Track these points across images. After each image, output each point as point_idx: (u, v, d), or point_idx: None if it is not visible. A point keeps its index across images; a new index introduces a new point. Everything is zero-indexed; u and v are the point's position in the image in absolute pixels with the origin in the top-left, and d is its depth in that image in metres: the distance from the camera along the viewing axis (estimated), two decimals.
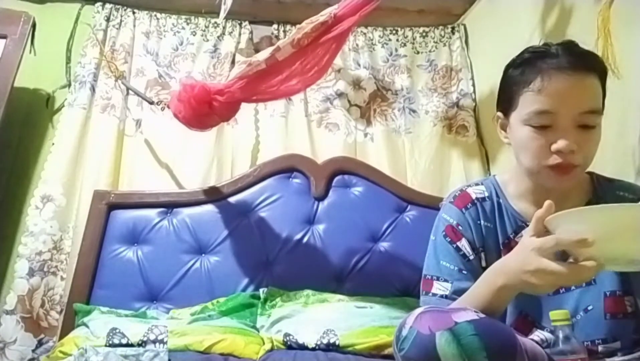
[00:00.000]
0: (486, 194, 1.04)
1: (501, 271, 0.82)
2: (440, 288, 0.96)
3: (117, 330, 1.33)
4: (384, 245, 1.81)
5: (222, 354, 1.33)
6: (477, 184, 1.07)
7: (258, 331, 1.53)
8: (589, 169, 0.98)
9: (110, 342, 1.30)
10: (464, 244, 0.99)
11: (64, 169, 1.87)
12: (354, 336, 1.40)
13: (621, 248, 0.72)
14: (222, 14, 1.81)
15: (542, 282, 0.75)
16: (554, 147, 0.89)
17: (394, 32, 2.28)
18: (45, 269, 1.76)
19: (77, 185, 1.87)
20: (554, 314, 0.81)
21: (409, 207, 1.89)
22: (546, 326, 0.94)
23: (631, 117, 1.31)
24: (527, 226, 0.81)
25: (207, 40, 2.16)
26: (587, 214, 0.75)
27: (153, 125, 2.00)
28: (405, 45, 2.27)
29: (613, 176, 1.05)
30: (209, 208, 1.83)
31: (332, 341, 1.39)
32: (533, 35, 1.69)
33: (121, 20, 2.11)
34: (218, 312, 1.57)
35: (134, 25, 2.12)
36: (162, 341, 1.32)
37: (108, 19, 2.10)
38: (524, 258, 0.77)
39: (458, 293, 0.93)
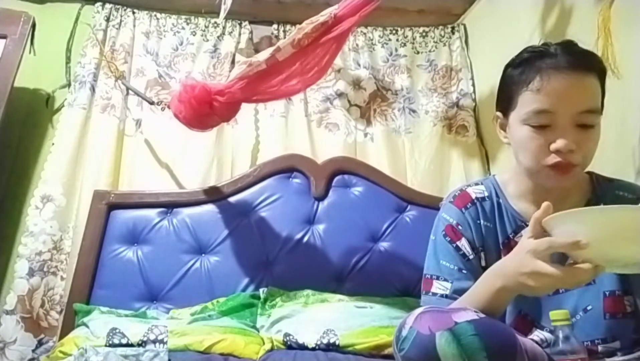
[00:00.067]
0: (486, 194, 1.04)
1: (500, 273, 0.82)
2: (440, 287, 0.96)
3: (117, 330, 1.33)
4: (384, 245, 1.81)
5: (222, 354, 1.33)
6: (476, 184, 1.07)
7: (258, 331, 1.53)
8: (589, 168, 0.98)
9: (110, 342, 1.30)
10: (463, 243, 0.99)
11: (64, 169, 1.87)
12: (354, 336, 1.40)
13: (618, 250, 0.71)
14: (222, 14, 1.81)
15: (539, 284, 0.75)
16: (553, 146, 0.89)
17: (394, 32, 2.28)
18: (45, 269, 1.76)
19: (77, 185, 1.87)
20: (554, 314, 0.81)
21: (409, 207, 1.89)
22: (546, 326, 0.94)
23: (631, 117, 1.31)
24: (527, 226, 0.81)
25: (207, 40, 2.16)
26: (584, 215, 0.74)
27: (153, 125, 2.00)
28: (405, 45, 2.27)
29: (613, 176, 1.05)
30: (209, 208, 1.83)
31: (332, 341, 1.39)
32: (533, 35, 1.69)
33: (121, 20, 2.11)
34: (218, 312, 1.57)
35: (134, 25, 2.12)
36: (162, 341, 1.32)
37: (108, 19, 2.10)
38: (520, 260, 0.77)
39: (458, 292, 0.93)
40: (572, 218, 0.74)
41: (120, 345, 1.30)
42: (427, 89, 2.21)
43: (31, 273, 1.73)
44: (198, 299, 1.65)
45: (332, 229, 1.82)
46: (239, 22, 2.18)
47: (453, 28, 2.29)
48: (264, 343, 1.43)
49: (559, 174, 0.91)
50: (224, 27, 2.17)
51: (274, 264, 1.76)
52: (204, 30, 2.17)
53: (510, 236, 0.99)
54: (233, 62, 2.12)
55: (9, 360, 1.64)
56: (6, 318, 1.67)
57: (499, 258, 0.90)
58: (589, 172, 1.03)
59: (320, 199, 1.87)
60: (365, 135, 2.13)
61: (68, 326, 1.58)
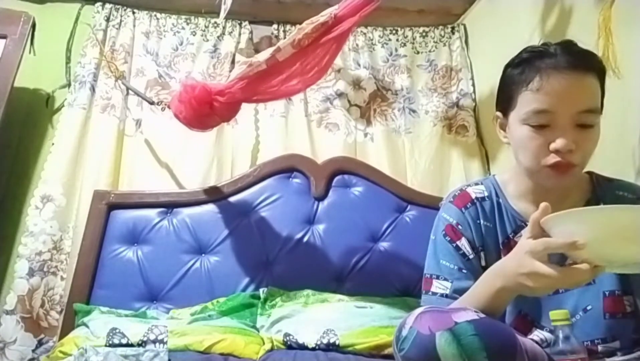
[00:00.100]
0: (486, 193, 1.04)
1: (499, 273, 0.83)
2: (440, 286, 0.96)
3: (117, 330, 1.33)
4: (384, 245, 1.81)
5: (222, 354, 1.33)
6: (476, 184, 1.07)
7: (258, 331, 1.53)
8: (589, 168, 0.98)
9: (110, 342, 1.30)
10: (463, 243, 0.99)
11: (64, 169, 1.87)
12: (354, 336, 1.40)
13: (617, 250, 0.71)
14: (222, 14, 1.82)
15: (537, 285, 0.75)
16: (552, 146, 0.89)
17: (394, 32, 2.28)
18: (45, 269, 1.76)
19: (77, 185, 1.87)
20: (554, 314, 0.81)
21: (409, 207, 1.89)
22: (546, 326, 0.94)
23: (631, 117, 1.31)
24: (527, 225, 0.81)
25: (207, 40, 2.16)
26: (581, 215, 0.74)
27: (153, 125, 2.00)
28: (405, 45, 2.27)
29: (613, 176, 1.05)
30: (209, 208, 1.83)
31: (332, 341, 1.39)
32: (533, 35, 1.69)
33: (121, 20, 2.11)
34: (218, 312, 1.57)
35: (134, 25, 2.12)
36: (162, 341, 1.32)
37: (108, 19, 2.10)
38: (518, 261, 0.77)
39: (458, 292, 0.93)
40: (570, 218, 0.73)
41: (120, 345, 1.30)
42: (427, 89, 2.21)
43: (31, 273, 1.73)
44: (198, 299, 1.65)
45: (332, 229, 1.82)
46: (239, 22, 2.18)
47: (453, 28, 2.29)
48: (264, 343, 1.43)
49: (558, 174, 0.91)
50: (224, 27, 2.17)
51: (274, 264, 1.76)
52: (204, 30, 2.17)
53: (510, 236, 0.99)
54: (233, 62, 2.12)
55: (9, 360, 1.64)
56: (6, 318, 1.67)
57: (499, 257, 0.90)
58: (589, 172, 1.03)
59: (320, 199, 1.87)
60: (365, 135, 2.13)
61: (68, 326, 1.58)
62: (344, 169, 1.94)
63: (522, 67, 0.95)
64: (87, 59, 2.02)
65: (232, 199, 1.85)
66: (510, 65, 0.99)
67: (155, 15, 2.16)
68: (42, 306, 1.73)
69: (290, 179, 1.90)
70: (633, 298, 0.93)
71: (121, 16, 2.12)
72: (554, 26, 1.63)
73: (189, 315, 1.57)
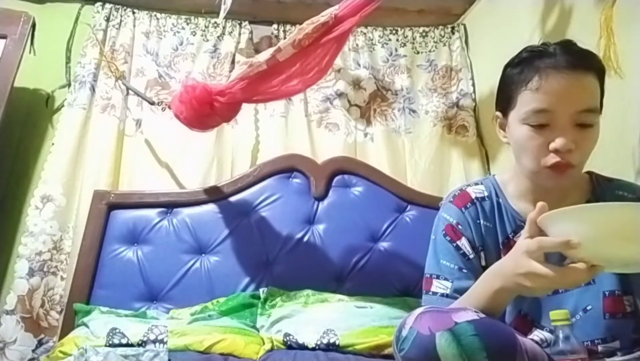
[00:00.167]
0: (486, 193, 1.04)
1: (498, 273, 0.82)
2: (441, 286, 0.96)
3: (117, 330, 1.33)
4: (384, 245, 1.81)
5: (222, 354, 1.33)
6: (476, 184, 1.07)
7: (258, 331, 1.53)
8: (589, 168, 0.98)
9: (110, 342, 1.30)
10: (463, 243, 0.99)
11: (64, 169, 1.87)
12: (354, 336, 1.40)
13: (613, 248, 0.70)
14: (222, 14, 1.81)
15: (535, 285, 0.75)
16: (551, 146, 0.89)
17: (394, 32, 2.28)
18: (45, 269, 1.76)
19: (77, 185, 1.87)
20: (554, 314, 0.81)
21: (409, 207, 1.89)
22: (545, 326, 0.94)
23: (631, 117, 1.31)
24: None
25: (207, 40, 2.16)
26: (576, 213, 0.73)
27: (153, 125, 2.00)
28: (405, 45, 2.27)
29: (613, 176, 1.05)
30: (209, 207, 1.83)
31: (332, 341, 1.39)
32: (533, 35, 1.69)
33: (121, 20, 2.11)
34: (218, 312, 1.57)
35: (134, 25, 2.12)
36: (162, 341, 1.32)
37: (108, 19, 2.10)
38: (516, 261, 0.77)
39: (459, 291, 0.93)
40: (564, 217, 0.73)
41: (120, 345, 1.30)
42: (427, 89, 2.21)
43: (31, 273, 1.73)
44: (198, 299, 1.65)
45: (332, 229, 1.82)
46: (239, 22, 2.18)
47: (453, 28, 2.29)
48: (264, 343, 1.43)
49: (558, 174, 0.91)
50: (224, 27, 2.17)
51: (274, 264, 1.76)
52: (204, 30, 2.17)
53: (510, 236, 1.00)
54: (233, 62, 2.12)
55: (9, 360, 1.64)
56: (6, 318, 1.67)
57: (499, 257, 0.90)
58: (588, 172, 1.03)
59: (320, 199, 1.87)
60: (365, 135, 2.13)
61: (68, 326, 1.58)
62: (344, 169, 1.94)
63: (522, 67, 0.95)
64: (87, 59, 2.02)
65: (232, 199, 1.85)
66: (510, 65, 0.99)
67: (155, 15, 2.16)
68: (42, 306, 1.73)
69: (290, 179, 1.90)
70: (633, 298, 0.93)
71: (121, 16, 2.12)
72: (554, 26, 1.63)
73: (189, 315, 1.57)
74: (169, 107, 1.77)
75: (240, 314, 1.58)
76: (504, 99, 0.99)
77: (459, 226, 1.00)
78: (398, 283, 1.74)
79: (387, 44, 2.26)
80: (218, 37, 2.16)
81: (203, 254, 1.76)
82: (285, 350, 1.42)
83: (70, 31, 2.09)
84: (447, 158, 2.12)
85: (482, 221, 1.01)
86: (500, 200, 1.03)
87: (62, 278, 1.77)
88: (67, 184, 1.86)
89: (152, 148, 1.98)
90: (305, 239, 1.80)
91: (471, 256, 0.98)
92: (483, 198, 1.03)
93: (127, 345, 1.30)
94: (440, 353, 0.71)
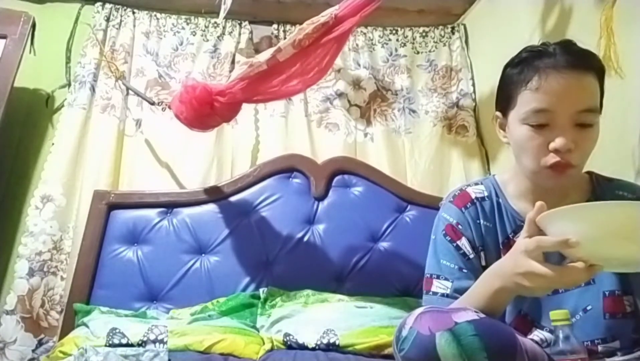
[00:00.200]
0: (485, 193, 1.04)
1: (498, 273, 0.82)
2: (441, 286, 0.96)
3: (117, 330, 1.33)
4: (384, 245, 1.81)
5: (222, 354, 1.33)
6: (476, 184, 1.07)
7: (258, 331, 1.53)
8: (589, 168, 0.98)
9: (110, 342, 1.30)
10: (464, 243, 0.99)
11: (64, 169, 1.87)
12: (354, 336, 1.40)
13: (612, 248, 0.70)
14: (222, 14, 1.81)
15: (534, 284, 0.75)
16: (551, 145, 0.89)
17: (394, 32, 2.28)
18: (45, 269, 1.76)
19: (77, 185, 1.87)
20: (554, 314, 0.81)
21: (409, 207, 1.89)
22: (545, 326, 0.94)
23: (631, 117, 1.31)
24: None
25: (207, 40, 2.16)
26: (574, 212, 0.72)
27: (153, 125, 2.00)
28: (405, 45, 2.27)
29: (613, 176, 1.05)
30: (209, 207, 1.83)
31: (332, 341, 1.39)
32: (533, 36, 1.69)
33: (121, 20, 2.11)
34: (218, 312, 1.57)
35: (134, 25, 2.12)
36: (162, 341, 1.32)
37: (108, 19, 2.10)
38: (515, 260, 0.77)
39: (459, 291, 0.93)
40: (562, 216, 0.73)
41: (120, 345, 1.30)
42: (427, 89, 2.21)
43: (31, 273, 1.73)
44: (198, 299, 1.65)
45: (332, 229, 1.82)
46: (239, 22, 2.18)
47: (453, 28, 2.29)
48: (264, 343, 1.43)
49: (558, 174, 0.91)
50: (224, 27, 2.17)
51: (274, 264, 1.76)
52: (204, 30, 2.17)
53: (510, 235, 1.00)
54: (233, 62, 2.12)
55: (9, 360, 1.64)
56: (6, 318, 1.67)
57: (499, 257, 0.90)
58: (588, 172, 1.03)
59: (320, 199, 1.87)
60: (365, 135, 2.13)
61: (68, 326, 1.58)
62: (344, 169, 1.94)
63: (521, 67, 0.95)
64: (87, 59, 2.02)
65: (232, 199, 1.85)
66: (510, 65, 0.99)
67: (155, 15, 2.16)
68: (42, 306, 1.73)
69: (290, 179, 1.90)
70: (633, 298, 0.93)
71: (121, 16, 2.12)
72: (554, 26, 1.63)
73: (189, 315, 1.57)
74: (169, 108, 1.77)
75: (240, 314, 1.58)
76: (504, 99, 0.99)
77: (459, 226, 1.00)
78: (398, 283, 1.74)
79: (387, 44, 2.26)
80: (218, 37, 2.16)
81: (203, 254, 1.76)
82: (285, 350, 1.42)
83: (70, 31, 2.09)
84: (447, 158, 2.12)
85: (482, 221, 1.01)
86: (500, 200, 1.03)
87: (62, 278, 1.77)
88: (67, 184, 1.86)
89: (152, 148, 1.98)
90: (305, 239, 1.80)
91: (471, 256, 0.98)
92: (483, 198, 1.03)
93: (127, 345, 1.30)
94: (440, 353, 0.71)
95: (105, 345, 1.29)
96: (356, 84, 2.18)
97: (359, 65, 2.21)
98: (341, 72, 2.17)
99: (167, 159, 1.99)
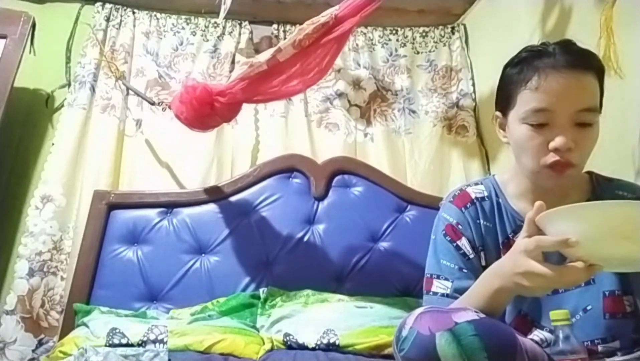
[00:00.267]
0: (485, 193, 1.04)
1: (498, 273, 0.82)
2: (441, 286, 0.96)
3: (117, 330, 1.33)
4: (384, 245, 1.81)
5: (222, 354, 1.33)
6: (476, 184, 1.07)
7: (258, 331, 1.53)
8: (589, 168, 0.98)
9: (110, 342, 1.30)
10: (464, 243, 0.99)
11: (64, 169, 1.87)
12: (354, 336, 1.40)
13: (611, 247, 0.69)
14: (222, 14, 1.81)
15: (533, 284, 0.75)
16: (551, 145, 0.89)
17: (394, 32, 2.28)
18: (45, 269, 1.76)
19: (77, 185, 1.87)
20: (554, 314, 0.81)
21: (409, 207, 1.89)
22: (545, 326, 0.94)
23: (631, 117, 1.31)
24: None
25: (207, 41, 2.16)
26: (573, 212, 0.72)
27: (153, 125, 2.00)
28: (405, 45, 2.27)
29: (613, 176, 1.05)
30: (209, 207, 1.83)
31: (332, 341, 1.39)
32: (533, 36, 1.69)
33: (121, 20, 2.11)
34: (218, 312, 1.57)
35: (134, 25, 2.12)
36: (162, 341, 1.32)
37: (108, 19, 2.10)
38: (514, 260, 0.77)
39: (459, 291, 0.93)
40: (562, 215, 0.73)
41: (120, 345, 1.30)
42: (427, 89, 2.21)
43: (31, 273, 1.73)
44: (198, 299, 1.65)
45: (332, 229, 1.82)
46: (239, 22, 2.18)
47: (453, 28, 2.29)
48: (264, 343, 1.43)
49: (557, 173, 0.91)
50: (224, 27, 2.17)
51: (274, 264, 1.76)
52: (204, 30, 2.17)
53: (510, 235, 0.99)
54: (233, 62, 2.12)
55: (9, 360, 1.64)
56: (6, 318, 1.67)
57: (499, 257, 0.90)
58: (588, 172, 1.03)
59: (320, 199, 1.87)
60: (365, 135, 2.13)
61: (68, 326, 1.58)
62: (344, 169, 1.94)
63: (521, 67, 0.95)
64: (87, 59, 2.02)
65: (232, 199, 1.85)
66: (509, 64, 0.99)
67: (155, 15, 2.16)
68: (42, 306, 1.73)
69: (290, 179, 1.91)
70: (633, 298, 0.93)
71: (121, 16, 2.12)
72: (554, 26, 1.63)
73: (189, 315, 1.57)
74: (170, 108, 1.77)
75: (240, 314, 1.58)
76: (504, 98, 0.99)
77: (459, 226, 1.00)
78: (398, 283, 1.74)
79: (387, 44, 2.26)
80: (218, 37, 2.16)
81: (203, 254, 1.76)
82: (285, 350, 1.42)
83: (70, 31, 2.09)
84: (447, 158, 2.12)
85: (482, 221, 1.01)
86: (500, 200, 1.03)
87: (62, 278, 1.77)
88: (67, 184, 1.86)
89: (152, 148, 1.98)
90: (305, 239, 1.80)
91: (471, 256, 0.98)
92: (483, 198, 1.03)
93: (127, 345, 1.30)
94: (440, 353, 0.71)
95: (105, 345, 1.29)
96: (356, 84, 2.18)
97: (359, 65, 2.21)
98: (341, 72, 2.17)
99: (167, 159, 1.99)
